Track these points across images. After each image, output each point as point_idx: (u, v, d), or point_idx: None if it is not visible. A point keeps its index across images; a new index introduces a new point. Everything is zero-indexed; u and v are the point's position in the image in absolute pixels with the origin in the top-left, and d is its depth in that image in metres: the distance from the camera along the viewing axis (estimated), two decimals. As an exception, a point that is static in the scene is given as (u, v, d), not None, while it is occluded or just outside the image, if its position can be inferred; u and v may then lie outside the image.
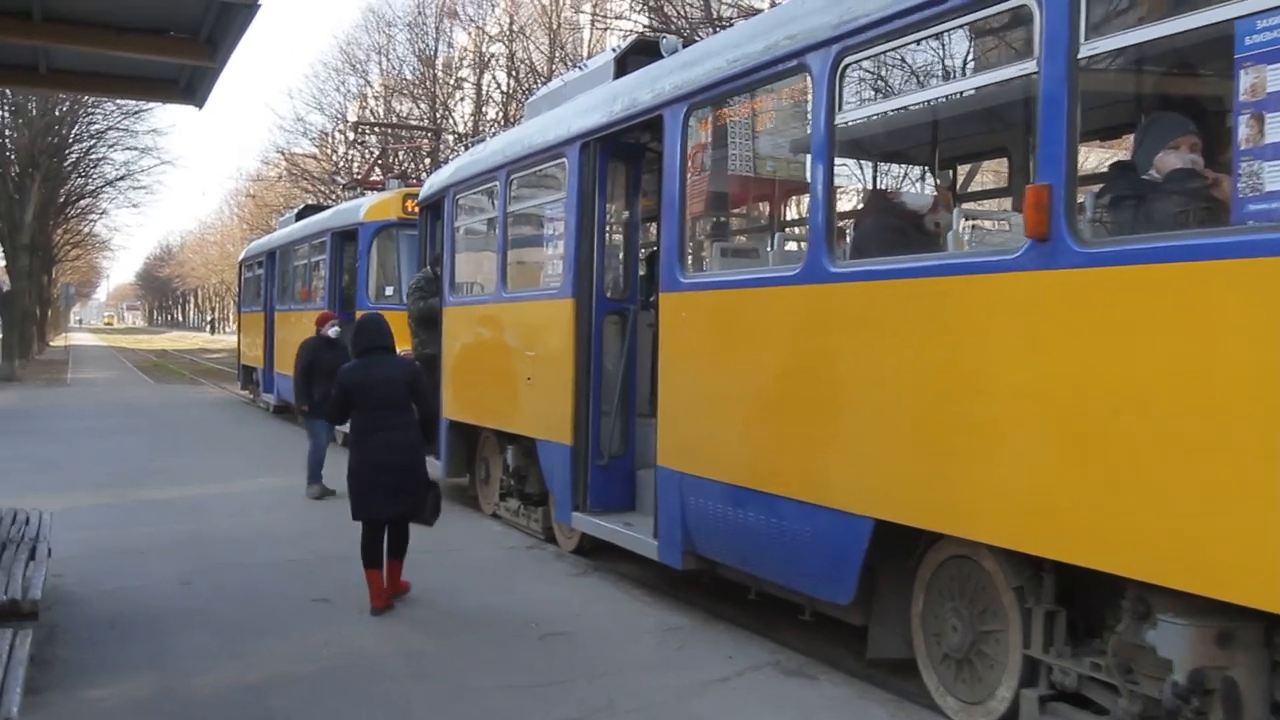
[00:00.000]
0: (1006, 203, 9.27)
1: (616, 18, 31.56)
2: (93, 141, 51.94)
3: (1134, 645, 5.41)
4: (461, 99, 47.34)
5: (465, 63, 47.12)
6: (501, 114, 42.45)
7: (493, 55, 44.20)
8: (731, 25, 15.00)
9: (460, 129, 43.99)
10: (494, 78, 44.51)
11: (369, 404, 8.70)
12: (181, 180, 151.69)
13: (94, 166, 55.01)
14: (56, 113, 45.77)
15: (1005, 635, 6.19)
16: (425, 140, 37.98)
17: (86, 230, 70.81)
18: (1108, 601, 5.70)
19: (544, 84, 38.34)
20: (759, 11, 16.85)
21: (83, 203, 59.68)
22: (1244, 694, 5.01)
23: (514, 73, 41.71)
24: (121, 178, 55.66)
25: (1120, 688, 5.51)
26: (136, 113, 48.96)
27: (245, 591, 9.14)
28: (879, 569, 6.89)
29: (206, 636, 7.96)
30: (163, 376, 42.40)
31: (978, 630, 6.38)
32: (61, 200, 55.10)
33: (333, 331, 14.08)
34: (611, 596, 9.29)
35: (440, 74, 47.10)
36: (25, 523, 9.12)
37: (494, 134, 15.34)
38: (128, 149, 52.81)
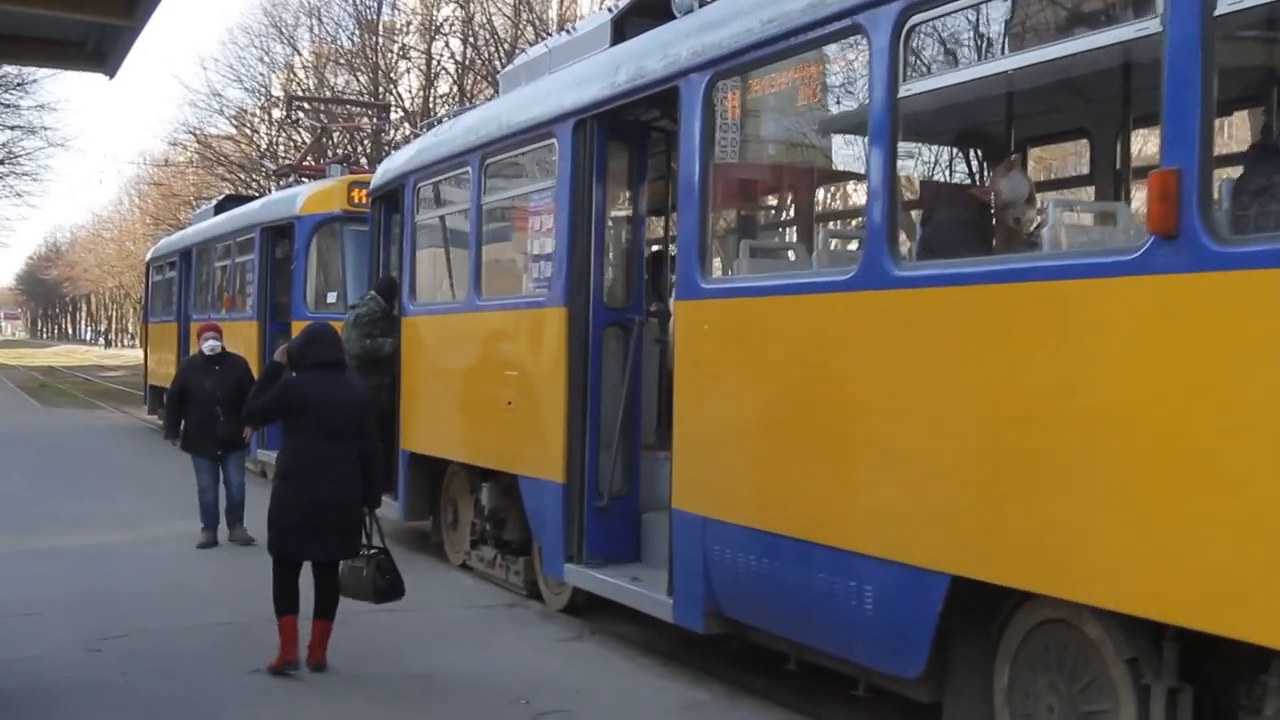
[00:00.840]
0: (1082, 194, 9.15)
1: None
2: (-35, 118, 51.49)
3: (1289, 733, 5.23)
4: (408, 70, 47.15)
5: (412, 28, 46.95)
6: (455, 88, 42.26)
7: (446, 19, 43.98)
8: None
9: (407, 105, 43.79)
10: (447, 45, 44.34)
11: (314, 428, 8.52)
12: (73, 166, 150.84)
13: (-36, 150, 54.50)
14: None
15: (1115, 717, 5.99)
16: (367, 119, 37.70)
17: (-43, 225, 70.26)
18: (1246, 677, 5.53)
19: (507, 52, 38.41)
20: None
21: (-47, 191, 59.09)
22: None
23: (470, 39, 41.58)
24: (0, 162, 55.14)
25: (1268, 783, 5.32)
26: (20, 84, 48.51)
27: (167, 661, 8.86)
28: (953, 635, 6.69)
29: (133, 708, 7.79)
30: (51, 398, 41.95)
31: (1080, 711, 6.17)
32: (-77, 186, 54.63)
33: (209, 347, 13.45)
34: (615, 666, 9.09)
35: (383, 41, 46.85)
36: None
37: (455, 111, 15.12)
38: (9, 128, 52.32)
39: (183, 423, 13.62)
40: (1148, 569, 5.45)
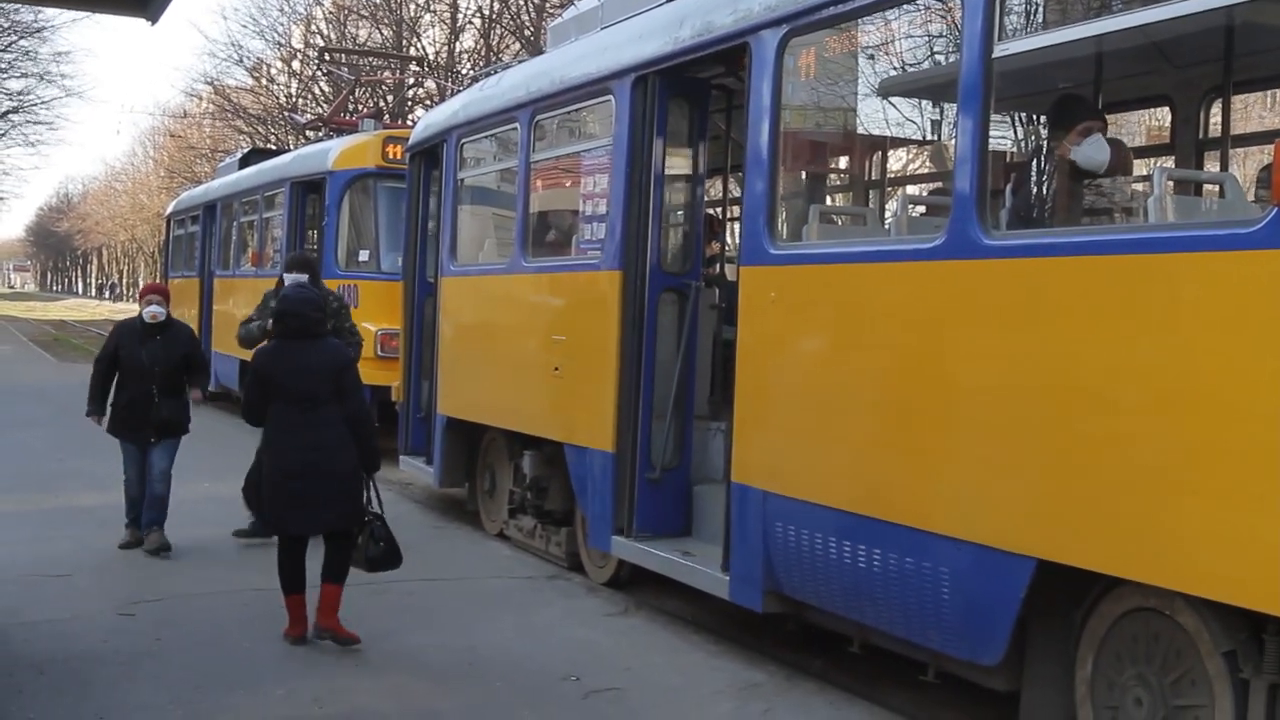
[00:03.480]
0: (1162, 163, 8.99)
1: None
2: (-19, 66, 51.48)
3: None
4: (433, 23, 46.98)
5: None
6: (482, 42, 42.10)
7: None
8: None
9: (430, 59, 43.62)
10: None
11: (280, 397, 8.47)
12: (87, 115, 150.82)
13: (-19, 95, 54.49)
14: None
15: (1210, 712, 5.86)
16: (389, 73, 37.56)
17: (-30, 174, 70.26)
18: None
19: (537, 6, 38.24)
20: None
21: (-35, 140, 59.13)
22: None
23: (498, -7, 41.40)
24: (15, 110, 55.13)
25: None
26: (38, 31, 48.55)
27: (203, 628, 8.81)
28: (1033, 622, 6.57)
29: (161, 689, 7.64)
30: (65, 353, 41.91)
31: (1171, 705, 6.04)
32: (-63, 135, 54.68)
33: (150, 313, 11.27)
34: (666, 643, 8.99)
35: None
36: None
37: (495, 67, 14.98)
38: (25, 75, 52.30)
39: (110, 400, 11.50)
40: (1250, 556, 5.32)
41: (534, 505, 11.60)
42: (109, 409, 11.30)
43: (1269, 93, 7.65)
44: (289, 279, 10.87)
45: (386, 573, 8.70)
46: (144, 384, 11.08)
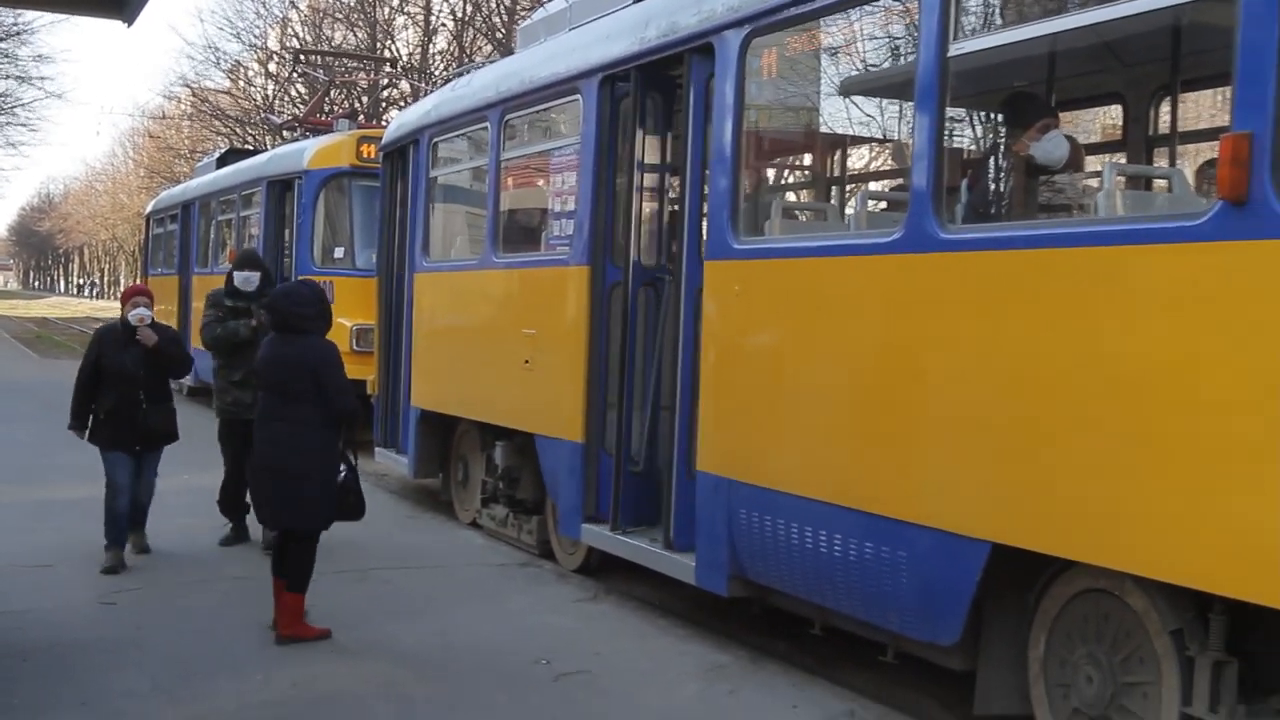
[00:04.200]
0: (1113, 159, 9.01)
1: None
2: (-39, 67, 51.14)
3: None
4: (406, 25, 46.83)
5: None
6: (454, 43, 42.00)
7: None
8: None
9: (404, 61, 43.49)
10: (445, 1, 44.00)
11: (263, 386, 8.57)
12: (67, 116, 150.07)
13: (-38, 99, 54.14)
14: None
15: (1157, 689, 5.90)
16: (363, 74, 37.45)
17: (-47, 175, 69.74)
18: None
19: (507, 8, 38.16)
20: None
21: (-53, 141, 58.72)
22: None
23: (470, -4, 41.31)
24: (-3, 112, 54.84)
25: (1325, 762, 5.24)
26: (18, 34, 48.24)
27: (183, 616, 8.78)
28: (988, 603, 6.59)
29: (144, 673, 7.61)
30: (48, 350, 41.66)
31: (1120, 682, 6.08)
32: (-81, 135, 54.29)
33: (136, 315, 10.17)
34: (634, 628, 8.99)
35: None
36: (-87, 529, 8.71)
37: (466, 68, 14.95)
38: (5, 77, 51.99)
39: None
40: (1196, 539, 5.36)
41: (506, 495, 11.58)
42: (90, 419, 10.30)
43: (1215, 91, 7.64)
44: (239, 277, 10.77)
45: (365, 560, 8.68)
46: (129, 391, 10.08)
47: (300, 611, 8.36)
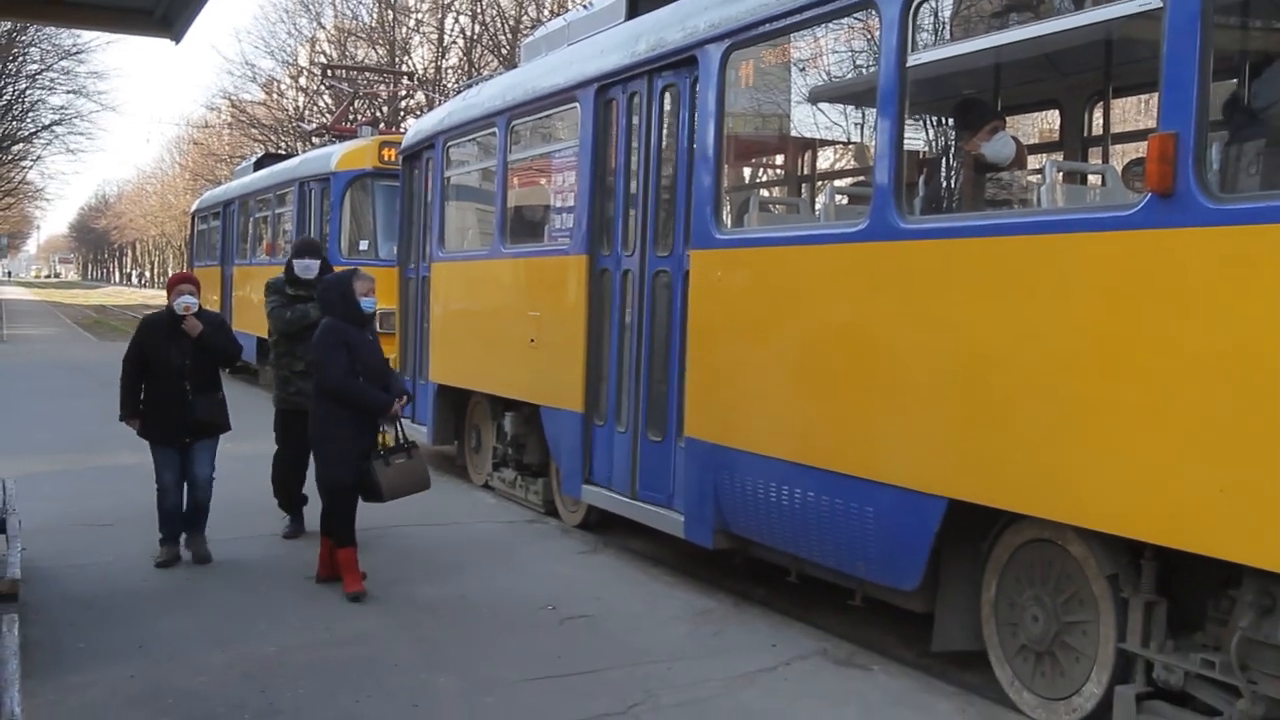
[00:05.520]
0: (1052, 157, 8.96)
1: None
2: (27, 84, 50.84)
3: (1259, 642, 5.13)
4: (421, 43, 46.68)
5: (425, 5, 46.43)
6: (465, 59, 41.86)
7: (453, 0, 43.55)
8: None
9: (420, 75, 43.34)
10: (456, 20, 43.85)
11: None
12: (120, 126, 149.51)
13: (28, 111, 53.85)
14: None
15: (1095, 627, 5.91)
16: (384, 86, 37.29)
17: (19, 178, 69.38)
18: (1213, 593, 5.45)
19: (512, 28, 38.04)
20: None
21: (15, 148, 58.38)
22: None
23: (479, 15, 41.12)
24: (58, 122, 54.62)
25: (1242, 688, 5.23)
26: (77, 53, 48.08)
27: (228, 569, 8.76)
28: (945, 551, 6.60)
29: (193, 619, 7.61)
30: (105, 334, 41.53)
31: (1062, 621, 6.09)
32: (-8, 145, 54.03)
33: (182, 304, 8.79)
34: (630, 577, 8.98)
35: (399, 16, 46.34)
36: (-11, 493, 8.62)
37: (476, 80, 14.88)
38: (65, 92, 51.78)
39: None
40: (1129, 493, 5.38)
41: (514, 459, 11.56)
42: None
43: (1142, 97, 7.62)
44: (299, 265, 9.75)
45: (389, 519, 8.65)
46: (175, 382, 8.76)
47: (348, 564, 8.23)
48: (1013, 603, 6.39)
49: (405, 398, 8.41)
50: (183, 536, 9.07)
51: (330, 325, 8.23)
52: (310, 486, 9.22)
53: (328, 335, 8.15)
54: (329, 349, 8.09)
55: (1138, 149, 6.65)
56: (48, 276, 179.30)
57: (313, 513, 9.24)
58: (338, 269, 9.69)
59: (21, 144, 57.93)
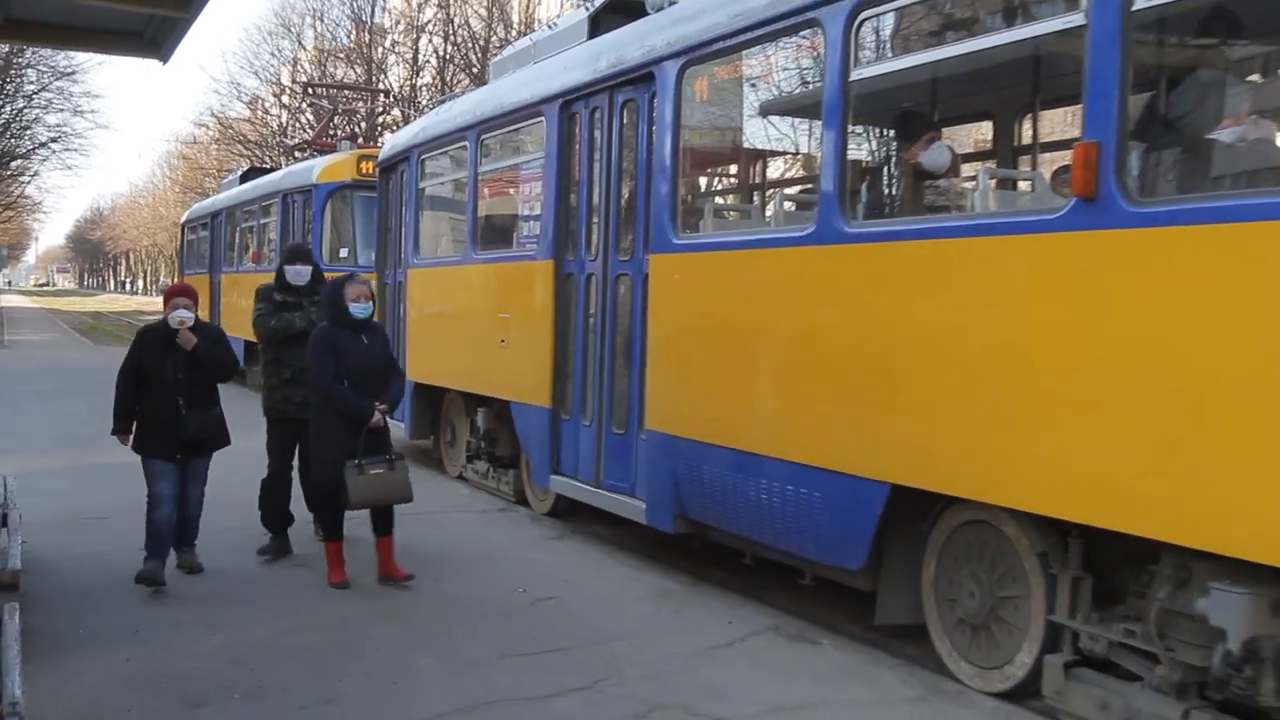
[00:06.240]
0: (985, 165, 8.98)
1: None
2: (25, 103, 50.37)
3: (1175, 613, 5.17)
4: (396, 63, 46.51)
5: (400, 27, 46.31)
6: (438, 78, 41.74)
7: (429, 20, 43.44)
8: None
9: (395, 93, 43.19)
10: (430, 41, 43.75)
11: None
12: (114, 142, 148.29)
13: (25, 129, 53.34)
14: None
15: (1027, 601, 5.95)
16: (362, 104, 37.13)
17: (18, 192, 68.67)
18: (1134, 568, 5.50)
19: (481, 48, 37.96)
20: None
21: (14, 164, 57.83)
22: (1296, 663, 4.80)
23: (450, 37, 41.06)
24: (55, 140, 54.11)
25: (1160, 655, 5.27)
26: (71, 74, 47.62)
27: (218, 558, 8.62)
28: (888, 533, 6.61)
29: (185, 606, 7.54)
30: (100, 338, 41.20)
31: (996, 596, 6.13)
32: (-8, 162, 53.48)
33: (177, 318, 7.94)
34: (596, 560, 8.96)
35: (375, 38, 46.20)
36: (-9, 487, 8.55)
37: (448, 97, 14.84)
38: (60, 110, 51.28)
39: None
40: (1057, 476, 5.42)
41: (487, 452, 11.53)
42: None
43: (1068, 109, 7.66)
44: (290, 271, 9.01)
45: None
46: (169, 396, 7.94)
47: (332, 557, 8.14)
48: (951, 580, 6.42)
49: (386, 406, 7.96)
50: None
51: (321, 330, 8.04)
52: (297, 505, 9.06)
53: (317, 340, 7.97)
54: (317, 354, 7.88)
55: (1064, 157, 6.68)
56: (46, 285, 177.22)
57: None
58: (327, 275, 9.59)
59: (20, 160, 57.31)
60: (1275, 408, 4.49)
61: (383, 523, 8.14)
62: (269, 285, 9.11)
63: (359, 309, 7.94)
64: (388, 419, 8.16)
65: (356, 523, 8.35)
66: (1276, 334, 4.50)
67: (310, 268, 9.16)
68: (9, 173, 59.10)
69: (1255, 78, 5.36)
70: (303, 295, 8.96)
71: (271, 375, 8.95)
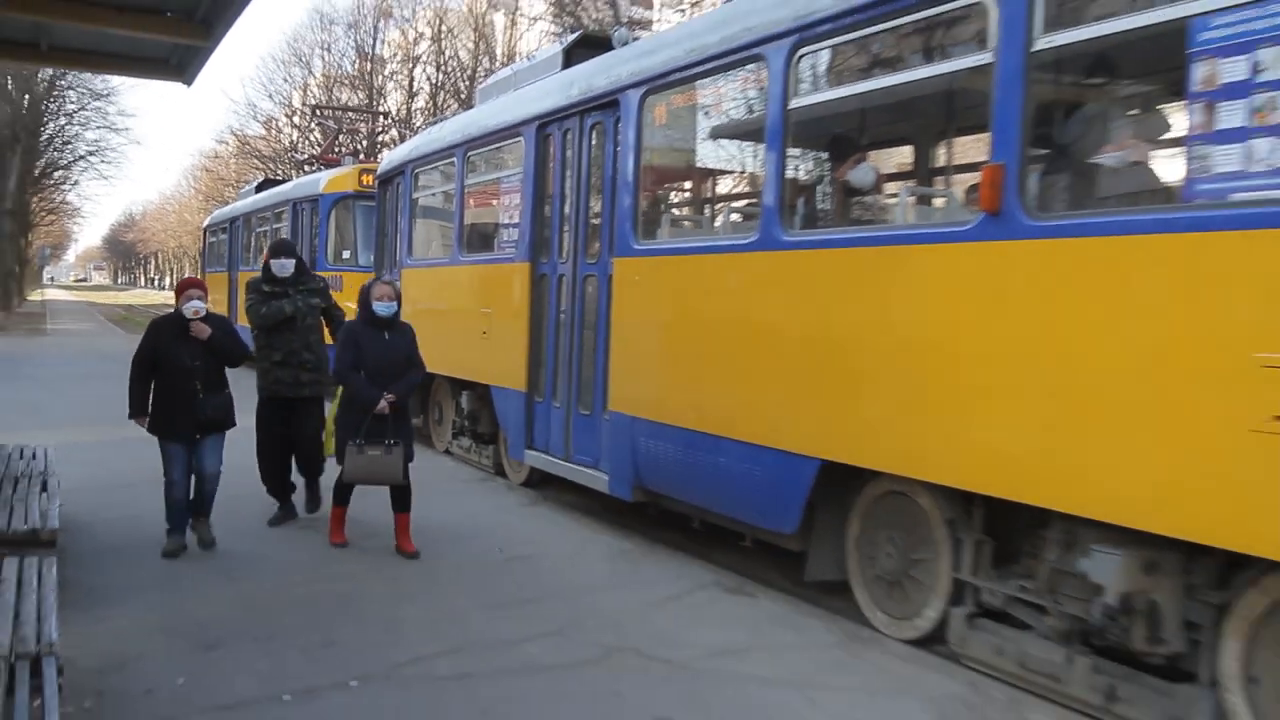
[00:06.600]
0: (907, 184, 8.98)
1: (535, 19, 30.89)
2: (65, 120, 49.88)
3: (1062, 571, 5.22)
4: (394, 89, 46.29)
5: (397, 58, 46.10)
6: (430, 102, 41.56)
7: (423, 52, 43.32)
8: (637, 28, 14.41)
9: (393, 115, 42.98)
10: (424, 70, 43.57)
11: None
12: (145, 156, 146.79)
13: (67, 143, 52.81)
14: (26, 100, 43.81)
15: (936, 561, 5.98)
16: (363, 125, 36.94)
17: (60, 199, 67.90)
18: (1025, 533, 5.54)
19: (469, 77, 37.81)
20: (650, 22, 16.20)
21: (57, 174, 57.24)
22: (1163, 613, 4.85)
23: (441, 66, 40.92)
24: (92, 153, 53.58)
25: (1049, 608, 5.32)
26: (107, 95, 47.18)
27: (235, 521, 8.51)
28: (818, 502, 6.62)
29: (203, 562, 7.49)
30: (132, 328, 40.55)
31: (910, 557, 6.16)
32: (38, 172, 52.81)
33: (191, 308, 7.67)
34: (563, 524, 8.94)
35: (376, 66, 45.97)
36: (33, 458, 8.51)
37: (439, 119, 14.78)
38: (98, 128, 50.78)
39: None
40: (964, 453, 5.44)
41: (470, 430, 11.48)
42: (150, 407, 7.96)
43: (977, 135, 7.68)
44: (276, 264, 8.65)
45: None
46: (186, 381, 7.65)
47: (335, 519, 8.08)
48: (871, 542, 6.45)
49: (393, 396, 7.65)
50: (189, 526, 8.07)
51: (349, 325, 7.97)
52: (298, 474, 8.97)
53: (343, 333, 7.91)
54: (340, 345, 7.78)
55: (974, 177, 6.71)
56: (84, 281, 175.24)
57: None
58: (323, 275, 9.52)
59: (61, 171, 56.85)
60: (1140, 394, 4.55)
61: (399, 501, 7.96)
62: (257, 278, 8.83)
63: (381, 307, 7.72)
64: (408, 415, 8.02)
65: (373, 498, 8.28)
66: (1144, 331, 4.55)
67: (293, 260, 8.75)
68: (52, 182, 58.66)
69: (1135, 111, 5.41)
70: (288, 285, 8.66)
71: (264, 358, 8.73)
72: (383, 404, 7.64)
